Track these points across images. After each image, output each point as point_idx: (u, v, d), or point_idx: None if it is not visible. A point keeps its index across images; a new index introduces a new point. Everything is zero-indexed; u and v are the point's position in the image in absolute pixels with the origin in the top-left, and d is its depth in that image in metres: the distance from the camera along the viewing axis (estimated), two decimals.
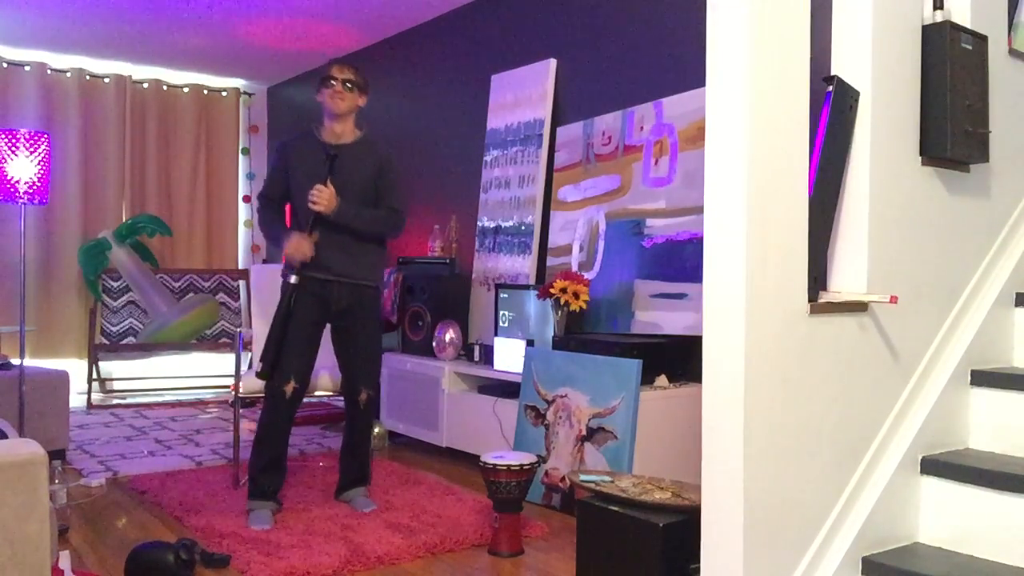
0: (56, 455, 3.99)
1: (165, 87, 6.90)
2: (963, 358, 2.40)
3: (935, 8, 2.36)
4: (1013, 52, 2.63)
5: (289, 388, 3.11)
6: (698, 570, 2.03)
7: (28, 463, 1.61)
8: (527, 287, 4.03)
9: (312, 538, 2.92)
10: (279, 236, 3.21)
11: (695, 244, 3.47)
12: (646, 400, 3.20)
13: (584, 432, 3.28)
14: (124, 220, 6.56)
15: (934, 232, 2.40)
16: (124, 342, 6.21)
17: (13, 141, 3.92)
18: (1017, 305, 2.58)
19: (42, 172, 3.99)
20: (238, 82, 7.17)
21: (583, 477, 2.66)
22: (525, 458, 2.84)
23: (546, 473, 3.41)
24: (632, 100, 3.95)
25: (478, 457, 2.93)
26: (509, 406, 3.77)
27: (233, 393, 3.67)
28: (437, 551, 2.84)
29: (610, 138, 3.99)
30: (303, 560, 2.68)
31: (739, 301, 1.92)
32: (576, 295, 3.71)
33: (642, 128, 3.82)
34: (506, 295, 4.12)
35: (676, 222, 3.59)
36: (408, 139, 5.64)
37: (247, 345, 4.11)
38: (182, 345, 6.27)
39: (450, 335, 4.41)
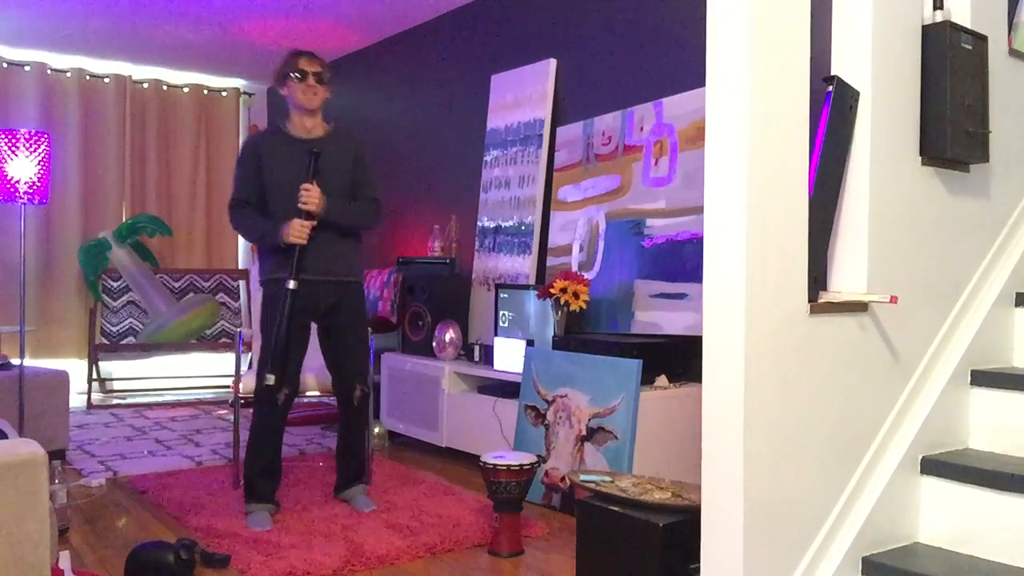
0: (56, 455, 3.99)
1: (165, 87, 6.90)
2: (963, 358, 2.40)
3: (935, 8, 2.36)
4: (1013, 52, 2.63)
5: (281, 395, 3.10)
6: (698, 570, 2.03)
7: (28, 463, 1.61)
8: (527, 287, 4.03)
9: (312, 538, 2.92)
10: (267, 232, 3.12)
11: (695, 244, 3.47)
12: (646, 400, 3.20)
13: (584, 432, 3.28)
14: (124, 220, 6.56)
15: (934, 232, 2.40)
16: (124, 342, 6.21)
17: (13, 141, 3.92)
18: (1017, 305, 2.58)
19: (42, 172, 3.99)
20: (238, 82, 7.17)
21: (583, 477, 2.66)
22: (525, 458, 2.84)
23: (546, 473, 3.41)
24: (632, 100, 3.95)
25: (478, 457, 2.92)
26: (509, 406, 3.77)
27: (233, 393, 3.67)
28: (437, 551, 2.84)
29: (610, 138, 3.99)
30: (303, 560, 2.68)
31: (739, 301, 1.91)
32: (576, 295, 3.71)
33: (642, 128, 3.82)
34: (506, 295, 4.12)
35: (676, 222, 3.59)
36: (408, 139, 5.64)
37: (247, 345, 4.11)
38: (182, 345, 6.27)
39: (450, 335, 4.41)
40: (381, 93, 5.93)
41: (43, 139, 3.99)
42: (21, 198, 3.95)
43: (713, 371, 1.98)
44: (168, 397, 6.28)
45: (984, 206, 2.56)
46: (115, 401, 6.11)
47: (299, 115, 3.21)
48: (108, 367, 6.46)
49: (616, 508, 2.41)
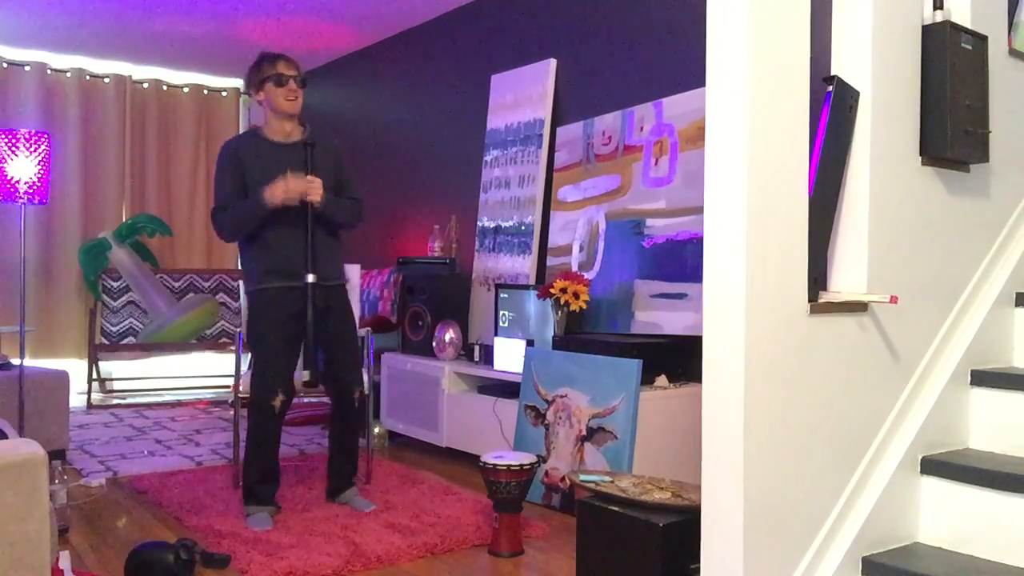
0: (56, 455, 3.99)
1: (165, 87, 6.90)
2: (963, 358, 2.40)
3: (935, 8, 2.36)
4: (1013, 52, 2.63)
5: (277, 402, 3.09)
6: (698, 570, 2.03)
7: (28, 463, 1.61)
8: (527, 287, 4.03)
9: (312, 538, 2.92)
10: (255, 207, 3.04)
11: (695, 244, 3.47)
12: (646, 400, 3.20)
13: (584, 432, 3.28)
14: (124, 220, 6.56)
15: (934, 232, 2.40)
16: (124, 342, 6.21)
17: (13, 141, 3.92)
18: (1017, 305, 2.58)
19: (42, 172, 3.99)
20: (238, 82, 7.17)
21: (583, 477, 2.66)
22: (525, 458, 2.84)
23: (546, 473, 3.41)
24: (632, 100, 3.95)
25: (478, 457, 2.92)
26: (509, 406, 3.77)
27: (233, 393, 3.67)
28: (437, 551, 2.84)
29: (610, 138, 3.99)
30: (303, 560, 2.68)
31: (739, 301, 1.91)
32: (576, 295, 3.71)
33: (642, 128, 3.82)
34: (506, 295, 4.12)
35: (676, 222, 3.59)
36: (408, 139, 5.64)
37: (247, 345, 4.10)
38: (182, 345, 6.27)
39: (450, 335, 4.41)
40: (381, 93, 5.93)
41: (43, 139, 3.99)
42: (21, 198, 3.95)
43: (713, 371, 1.98)
44: (168, 397, 6.28)
45: (984, 206, 2.56)
46: (115, 401, 6.11)
47: (279, 120, 3.17)
48: (108, 367, 6.46)
49: (616, 508, 2.41)
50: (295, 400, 3.34)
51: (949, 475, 2.22)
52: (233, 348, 4.50)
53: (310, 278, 3.06)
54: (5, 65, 6.25)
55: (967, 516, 2.18)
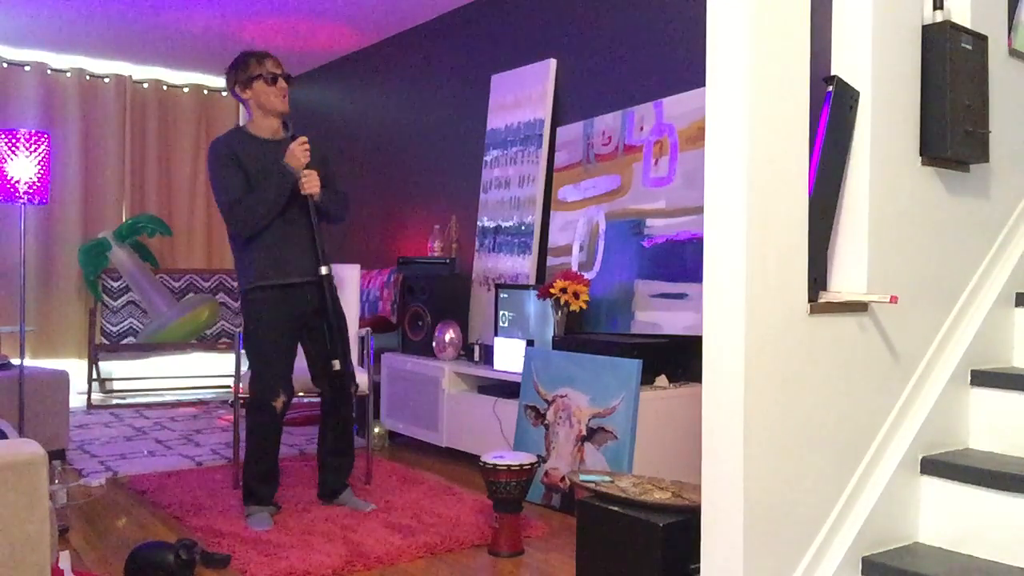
0: (56, 455, 4.00)
1: (165, 87, 6.90)
2: (963, 358, 2.40)
3: (935, 8, 2.36)
4: (1013, 52, 2.63)
5: (279, 403, 3.09)
6: (698, 570, 2.03)
7: (28, 463, 1.61)
8: (527, 287, 4.03)
9: (312, 538, 2.92)
10: (276, 188, 3.03)
11: (695, 244, 3.47)
12: (646, 400, 3.20)
13: (584, 432, 3.28)
14: (124, 220, 6.56)
15: (934, 232, 2.40)
16: (124, 342, 6.21)
17: (13, 141, 3.92)
18: (1017, 305, 2.58)
19: (42, 172, 3.99)
20: None
21: (583, 477, 2.66)
22: (525, 458, 2.84)
23: (546, 473, 3.41)
24: (632, 100, 3.95)
25: (478, 457, 2.92)
26: (509, 406, 3.77)
27: (233, 393, 3.67)
28: (437, 551, 2.84)
29: (610, 138, 3.99)
30: (303, 560, 2.68)
31: (739, 301, 1.92)
32: (576, 295, 3.71)
33: (642, 128, 3.82)
34: (506, 295, 4.13)
35: (676, 222, 3.59)
36: (408, 139, 5.64)
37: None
38: (182, 345, 6.27)
39: (450, 335, 4.41)
40: (381, 93, 5.93)
41: (43, 139, 3.99)
42: (21, 198, 3.95)
43: (713, 371, 1.98)
44: (168, 397, 6.28)
45: (984, 206, 2.56)
46: (115, 401, 6.11)
47: (266, 117, 3.17)
48: (108, 367, 6.46)
49: (616, 508, 2.41)
50: (295, 400, 3.33)
51: (949, 475, 2.22)
52: (233, 348, 4.50)
53: (323, 270, 3.11)
54: (5, 65, 6.25)
55: (967, 516, 2.18)
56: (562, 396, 3.40)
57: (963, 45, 2.36)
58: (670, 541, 2.28)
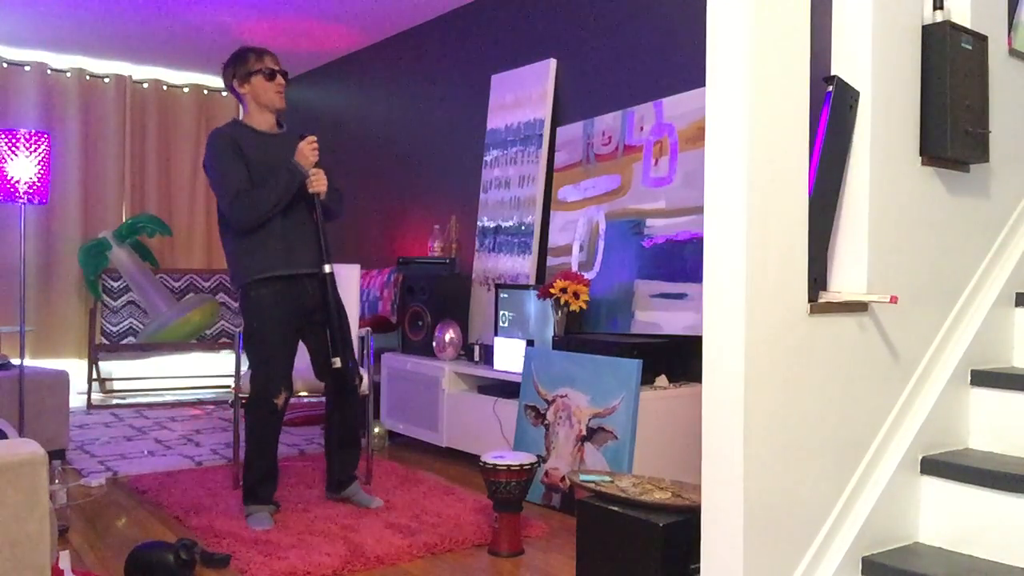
0: (56, 455, 3.99)
1: (165, 87, 6.90)
2: (963, 358, 2.40)
3: (935, 8, 2.36)
4: (1013, 52, 2.63)
5: (280, 400, 3.09)
6: (698, 570, 2.03)
7: (28, 463, 1.61)
8: (527, 287, 4.03)
9: (312, 538, 2.92)
10: (283, 182, 3.02)
11: (695, 244, 3.47)
12: (646, 400, 3.20)
13: (584, 432, 3.28)
14: (124, 220, 6.56)
15: (934, 232, 2.40)
16: (124, 342, 6.21)
17: (13, 141, 3.92)
18: (1017, 305, 2.58)
19: (42, 172, 3.99)
20: None
21: (583, 477, 2.66)
22: (525, 458, 2.84)
23: (546, 473, 3.41)
24: (632, 100, 3.95)
25: (478, 457, 2.92)
26: (509, 406, 3.77)
27: (233, 393, 3.67)
28: (437, 551, 2.84)
29: (610, 138, 3.99)
30: (303, 560, 2.68)
31: (739, 301, 1.92)
32: (576, 295, 3.71)
33: (642, 128, 3.82)
34: (506, 295, 4.12)
35: (676, 222, 3.59)
36: (408, 139, 5.64)
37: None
38: (182, 345, 6.27)
39: (450, 335, 4.41)
40: (381, 93, 5.93)
41: (43, 139, 3.99)
42: (21, 198, 3.95)
43: (713, 371, 1.98)
44: (168, 397, 6.28)
45: (984, 206, 2.56)
46: (115, 401, 6.11)
47: (262, 113, 3.20)
48: (108, 367, 6.46)
49: (616, 508, 2.41)
50: (294, 400, 3.34)
51: (949, 475, 2.22)
52: (233, 348, 4.50)
53: (327, 268, 3.12)
54: (5, 65, 6.25)
55: (967, 516, 2.18)
56: (562, 396, 3.40)
57: (963, 45, 2.36)
58: (670, 541, 2.28)
